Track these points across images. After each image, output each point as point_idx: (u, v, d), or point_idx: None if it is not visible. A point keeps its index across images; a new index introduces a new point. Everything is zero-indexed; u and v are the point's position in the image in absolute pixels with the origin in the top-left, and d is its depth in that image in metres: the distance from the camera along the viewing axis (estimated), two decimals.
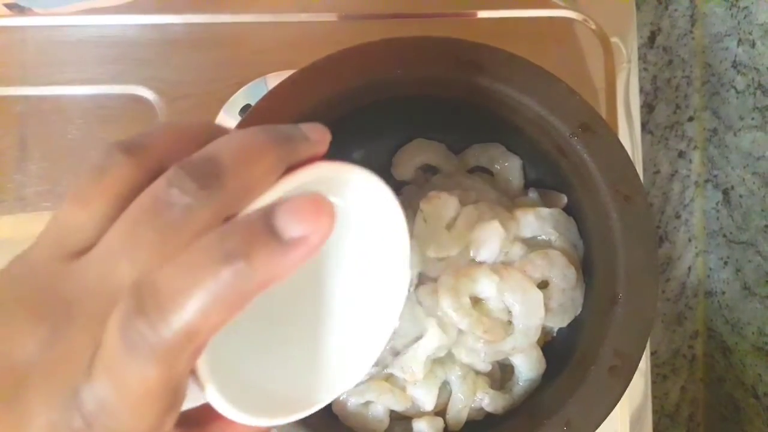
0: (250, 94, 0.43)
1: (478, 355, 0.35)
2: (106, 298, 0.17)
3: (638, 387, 0.43)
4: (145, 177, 0.18)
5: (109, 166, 0.18)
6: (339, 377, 0.23)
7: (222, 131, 0.20)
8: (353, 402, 0.35)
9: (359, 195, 0.21)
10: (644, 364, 0.43)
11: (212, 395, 0.19)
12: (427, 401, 0.35)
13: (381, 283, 0.23)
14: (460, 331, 0.35)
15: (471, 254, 0.35)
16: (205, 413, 0.20)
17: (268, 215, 0.17)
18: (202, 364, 0.18)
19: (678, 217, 0.52)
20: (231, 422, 0.20)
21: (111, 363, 0.17)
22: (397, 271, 0.23)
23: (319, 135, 0.19)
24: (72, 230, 0.18)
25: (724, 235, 0.51)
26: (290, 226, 0.17)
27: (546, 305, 0.35)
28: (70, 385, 0.17)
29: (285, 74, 0.33)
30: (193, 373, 0.18)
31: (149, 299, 0.16)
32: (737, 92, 0.47)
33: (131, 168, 0.18)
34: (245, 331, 0.23)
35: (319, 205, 0.17)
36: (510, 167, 0.39)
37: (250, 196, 0.18)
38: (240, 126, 0.32)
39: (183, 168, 0.17)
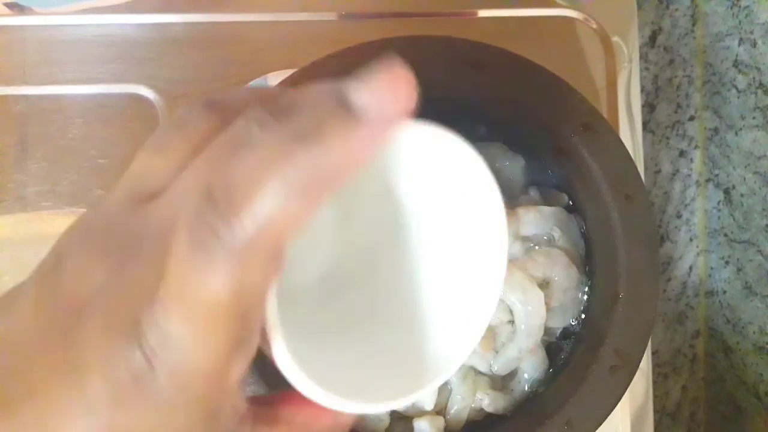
0: None
1: (486, 362, 0.35)
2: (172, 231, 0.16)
3: (639, 386, 0.43)
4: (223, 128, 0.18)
5: (190, 118, 0.18)
6: (438, 365, 0.21)
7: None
8: None
9: (445, 162, 0.20)
10: (645, 363, 0.43)
11: (281, 354, 0.17)
12: (427, 400, 0.35)
13: (475, 261, 0.21)
14: None
15: None
16: (282, 398, 0.19)
17: (338, 89, 0.16)
18: (271, 315, 0.16)
19: (679, 216, 0.52)
20: (306, 406, 0.18)
21: (178, 277, 0.15)
22: (492, 247, 0.20)
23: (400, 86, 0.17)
24: (147, 176, 0.18)
25: (726, 235, 0.50)
26: (363, 97, 0.15)
27: (547, 305, 0.35)
28: (132, 316, 0.15)
29: (285, 74, 0.33)
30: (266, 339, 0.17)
31: (220, 192, 0.15)
32: (738, 91, 0.47)
33: (211, 120, 0.18)
34: (328, 322, 0.21)
35: (395, 73, 0.16)
36: (511, 166, 0.39)
37: (321, 136, 0.16)
38: None
39: (262, 105, 0.16)
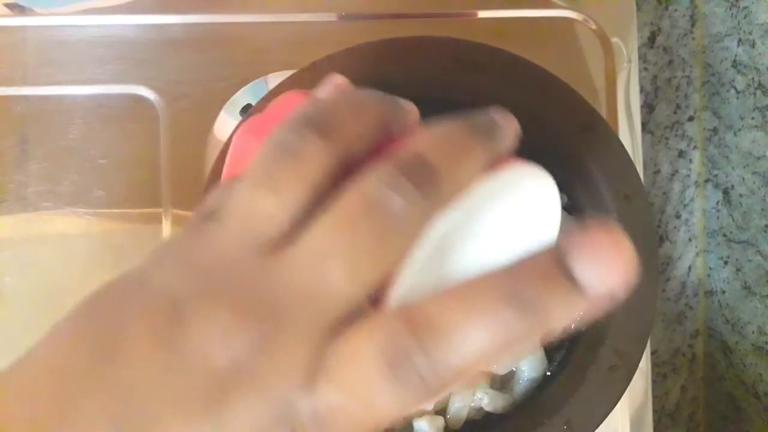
0: (251, 94, 0.43)
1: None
2: (318, 305, 0.16)
3: (639, 386, 0.43)
4: (338, 164, 0.17)
5: (304, 151, 0.17)
6: None
7: (395, 104, 0.19)
8: None
9: (530, 194, 0.20)
10: (645, 363, 0.43)
11: None
12: None
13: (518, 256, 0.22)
14: None
15: None
16: None
17: (562, 256, 0.16)
18: None
19: (678, 216, 0.52)
20: None
21: (358, 385, 0.16)
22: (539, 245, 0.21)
23: (510, 124, 0.19)
24: (264, 219, 0.17)
25: (725, 235, 0.51)
26: (589, 273, 0.16)
27: None
28: (284, 397, 0.16)
29: (285, 74, 0.33)
30: None
31: (427, 331, 0.15)
32: (737, 92, 0.47)
33: (327, 154, 0.17)
34: None
35: (620, 248, 0.16)
36: None
37: (460, 196, 0.17)
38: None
39: (398, 168, 0.16)
